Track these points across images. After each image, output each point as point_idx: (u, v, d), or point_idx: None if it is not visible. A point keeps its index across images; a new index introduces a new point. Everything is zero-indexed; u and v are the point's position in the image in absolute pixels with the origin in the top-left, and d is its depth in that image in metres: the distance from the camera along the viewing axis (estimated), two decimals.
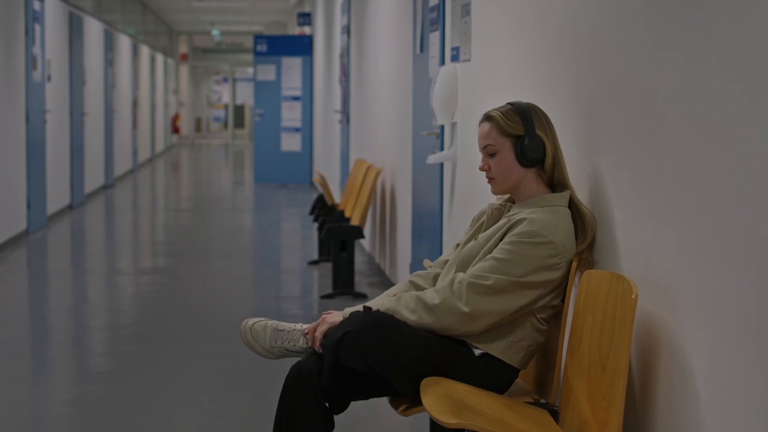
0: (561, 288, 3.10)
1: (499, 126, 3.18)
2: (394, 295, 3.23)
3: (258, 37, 17.56)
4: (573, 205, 3.15)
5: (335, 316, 3.18)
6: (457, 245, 3.38)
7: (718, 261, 2.33)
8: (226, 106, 41.96)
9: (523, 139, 3.15)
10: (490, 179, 3.23)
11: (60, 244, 10.39)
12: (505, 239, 3.09)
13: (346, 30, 11.19)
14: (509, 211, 3.24)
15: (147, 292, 7.71)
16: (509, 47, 4.19)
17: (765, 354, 2.13)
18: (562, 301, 3.12)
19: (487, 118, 3.22)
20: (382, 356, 3.01)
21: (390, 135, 7.76)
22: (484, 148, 3.22)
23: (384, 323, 3.07)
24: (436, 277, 3.36)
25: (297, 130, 17.60)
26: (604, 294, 2.81)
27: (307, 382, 3.14)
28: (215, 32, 33.53)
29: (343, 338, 3.04)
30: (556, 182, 3.20)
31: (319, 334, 3.16)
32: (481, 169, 3.23)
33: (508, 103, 3.24)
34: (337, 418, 3.30)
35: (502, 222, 3.18)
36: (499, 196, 3.36)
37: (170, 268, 8.85)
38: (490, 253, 3.12)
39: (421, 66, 6.18)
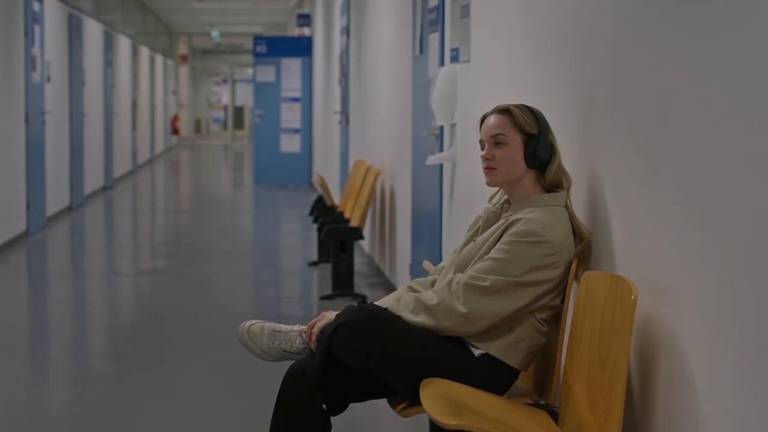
0: (560, 288, 3.10)
1: (516, 120, 3.18)
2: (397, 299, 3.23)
3: (257, 38, 17.56)
4: (570, 212, 3.16)
5: (333, 314, 3.19)
6: (455, 251, 3.38)
7: (717, 262, 2.33)
8: (225, 108, 41.98)
9: (537, 138, 3.15)
10: (491, 169, 3.21)
11: (59, 246, 10.39)
12: (502, 239, 3.09)
13: (346, 31, 11.19)
14: (506, 212, 3.25)
15: (146, 294, 7.71)
16: (509, 48, 4.19)
17: (764, 354, 2.13)
18: (562, 301, 3.12)
19: (502, 110, 3.22)
20: (374, 349, 3.01)
21: (389, 136, 7.75)
22: (492, 137, 3.20)
23: (377, 316, 3.07)
24: (434, 284, 3.36)
25: (296, 131, 17.60)
26: (603, 295, 2.81)
27: (304, 383, 3.14)
28: (215, 33, 33.53)
29: (336, 330, 3.04)
30: (552, 187, 3.20)
31: (316, 330, 3.17)
32: (485, 157, 3.21)
33: (520, 104, 3.24)
34: (335, 419, 3.30)
35: (499, 223, 3.19)
36: (494, 201, 3.37)
37: (170, 269, 8.85)
38: (488, 254, 3.12)
39: (421, 67, 6.18)
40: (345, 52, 11.23)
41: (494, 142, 3.20)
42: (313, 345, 3.18)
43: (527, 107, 3.23)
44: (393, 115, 7.54)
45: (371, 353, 3.02)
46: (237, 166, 23.77)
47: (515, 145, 3.18)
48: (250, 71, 38.01)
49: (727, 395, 2.29)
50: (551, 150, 3.17)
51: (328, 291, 7.54)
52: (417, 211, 6.44)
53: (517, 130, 3.18)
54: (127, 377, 5.36)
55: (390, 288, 7.64)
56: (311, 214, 9.54)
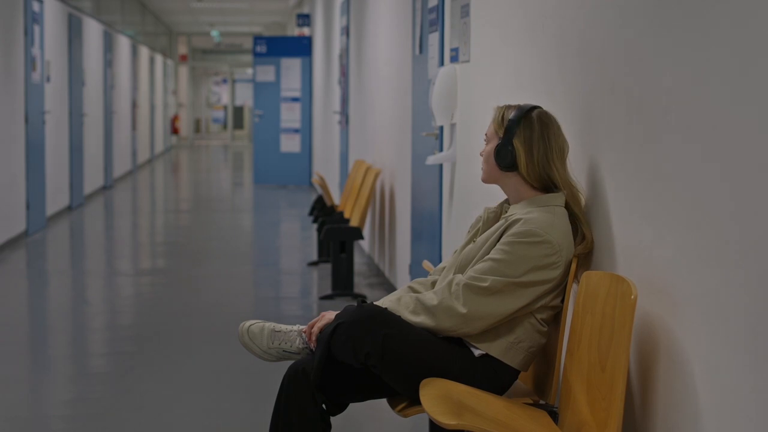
0: (561, 288, 3.10)
1: (495, 121, 3.22)
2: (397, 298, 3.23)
3: (257, 38, 17.56)
4: (572, 213, 3.14)
5: (333, 314, 3.19)
6: (456, 252, 3.39)
7: (717, 261, 2.33)
8: (225, 107, 41.97)
9: (500, 142, 3.18)
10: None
11: (59, 245, 10.39)
12: (502, 240, 3.09)
13: (345, 31, 11.19)
14: (506, 212, 3.25)
15: (146, 293, 7.71)
16: (508, 48, 4.19)
17: (764, 354, 2.13)
18: (562, 301, 3.12)
19: (497, 108, 3.27)
20: (373, 349, 3.01)
21: (389, 136, 7.75)
22: (486, 134, 3.29)
23: (377, 316, 3.07)
24: (435, 284, 3.36)
25: (296, 131, 17.60)
26: (603, 295, 2.81)
27: (304, 383, 3.14)
28: (214, 33, 33.53)
29: (336, 330, 3.04)
30: (546, 187, 3.19)
31: (316, 329, 3.17)
32: (480, 153, 3.31)
33: (519, 104, 3.24)
34: (335, 419, 3.30)
35: (499, 223, 3.19)
36: (498, 202, 3.39)
37: (169, 269, 8.85)
38: (488, 254, 3.12)
39: (421, 67, 6.18)
40: (345, 52, 11.23)
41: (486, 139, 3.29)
42: (312, 345, 3.19)
43: (516, 109, 3.20)
44: (393, 115, 7.54)
45: (371, 353, 3.02)
46: (237, 165, 23.77)
47: (492, 145, 3.23)
48: (249, 71, 38.02)
49: (727, 395, 2.29)
50: (511, 157, 3.16)
51: (328, 291, 7.54)
52: (417, 211, 6.44)
53: (495, 131, 3.22)
54: (127, 377, 5.36)
55: (390, 288, 7.65)
56: (311, 213, 9.54)
